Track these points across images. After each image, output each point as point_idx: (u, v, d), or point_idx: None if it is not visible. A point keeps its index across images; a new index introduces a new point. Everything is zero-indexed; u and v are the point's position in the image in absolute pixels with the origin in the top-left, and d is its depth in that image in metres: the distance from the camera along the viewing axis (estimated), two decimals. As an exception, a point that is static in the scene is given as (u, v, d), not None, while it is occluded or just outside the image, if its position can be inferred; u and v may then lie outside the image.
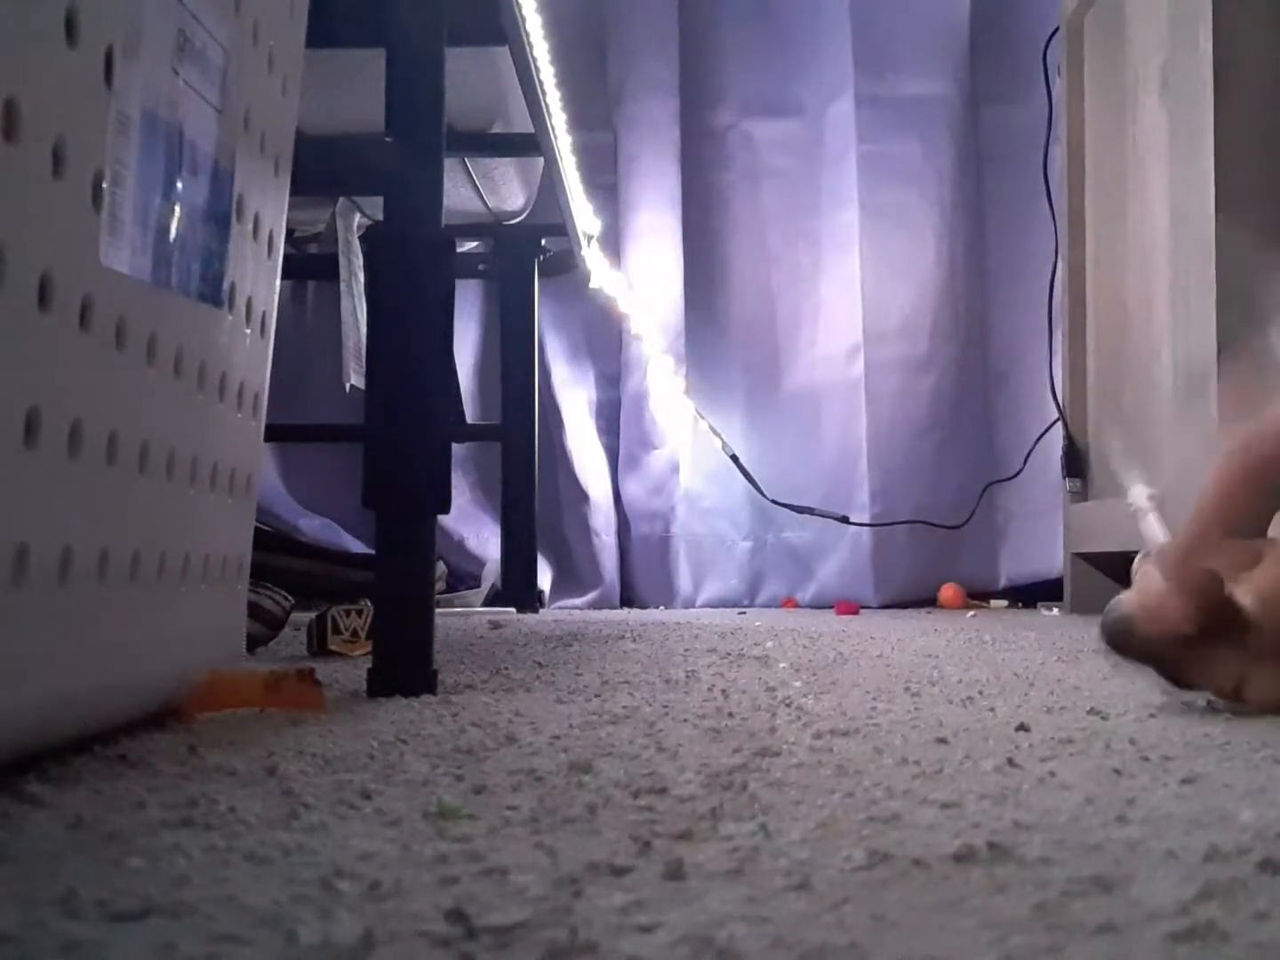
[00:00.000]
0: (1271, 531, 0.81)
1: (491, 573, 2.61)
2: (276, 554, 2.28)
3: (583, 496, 2.79)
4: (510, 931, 0.36)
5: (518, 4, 1.44)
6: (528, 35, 1.51)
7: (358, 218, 2.06)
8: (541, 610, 2.54)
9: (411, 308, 0.98)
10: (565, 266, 2.58)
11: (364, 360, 1.06)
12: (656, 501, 2.80)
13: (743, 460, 2.77)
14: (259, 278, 0.84)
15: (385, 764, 0.63)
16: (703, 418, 2.78)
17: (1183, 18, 1.86)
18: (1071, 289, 2.38)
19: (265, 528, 2.46)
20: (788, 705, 0.86)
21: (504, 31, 1.44)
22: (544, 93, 1.67)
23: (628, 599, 2.78)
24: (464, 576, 2.73)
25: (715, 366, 2.82)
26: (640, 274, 2.78)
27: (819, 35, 2.81)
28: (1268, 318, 0.75)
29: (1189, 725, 0.76)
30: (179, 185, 0.69)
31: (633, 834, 0.47)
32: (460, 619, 2.07)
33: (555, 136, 1.83)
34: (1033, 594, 2.67)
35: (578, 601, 2.72)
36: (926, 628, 1.86)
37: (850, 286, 2.77)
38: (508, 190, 2.23)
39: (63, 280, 0.56)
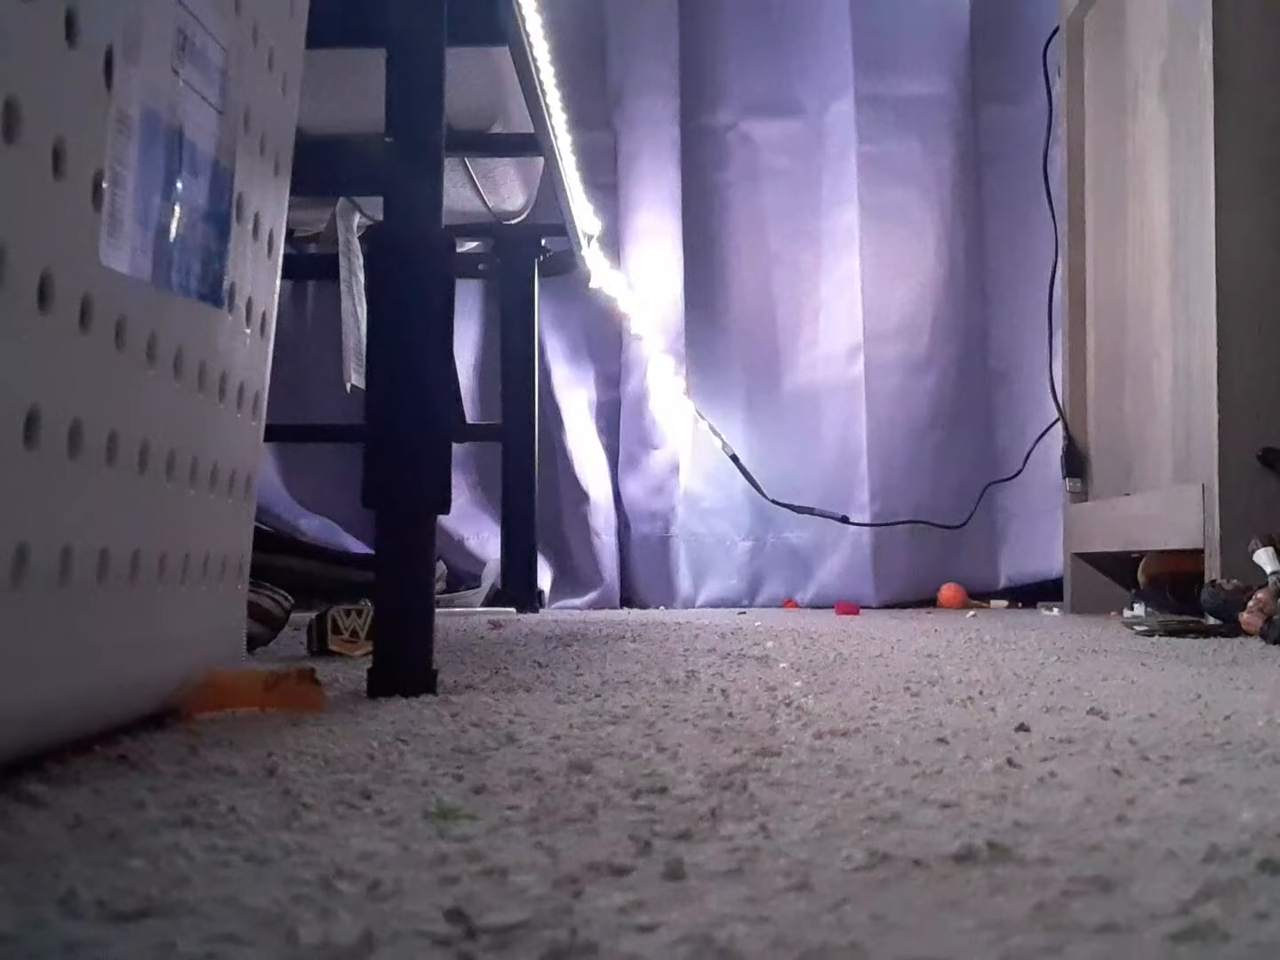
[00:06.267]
0: None
1: (491, 573, 2.61)
2: (276, 554, 2.28)
3: (583, 496, 2.79)
4: (510, 931, 0.36)
5: (518, 4, 1.44)
6: (528, 35, 1.51)
7: (358, 218, 2.06)
8: (541, 610, 2.54)
9: (411, 308, 0.98)
10: (565, 266, 2.58)
11: (364, 360, 1.06)
12: (656, 501, 2.80)
13: (743, 460, 2.77)
14: (259, 278, 0.84)
15: (385, 764, 0.63)
16: (703, 418, 2.78)
17: (1183, 18, 1.86)
18: (1071, 289, 2.38)
19: (265, 528, 2.46)
20: (788, 705, 0.86)
21: (504, 31, 1.45)
22: (544, 93, 1.67)
23: (628, 599, 2.78)
24: (464, 576, 2.73)
25: (715, 366, 2.82)
26: (640, 274, 2.78)
27: (819, 35, 2.81)
28: None
29: (1189, 725, 0.76)
30: (179, 185, 0.69)
31: (633, 834, 0.47)
32: (460, 619, 2.08)
33: (555, 136, 1.83)
34: (1033, 594, 2.67)
35: (578, 601, 2.72)
36: (926, 628, 1.86)
37: (850, 286, 2.77)
38: (508, 190, 2.23)
39: (63, 280, 0.56)
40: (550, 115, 1.75)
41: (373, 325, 1.03)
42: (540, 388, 2.62)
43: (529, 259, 2.54)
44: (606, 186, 2.76)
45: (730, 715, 0.82)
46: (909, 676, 1.07)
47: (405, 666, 0.96)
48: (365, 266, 1.82)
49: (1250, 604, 1.53)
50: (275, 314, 0.89)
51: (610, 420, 2.84)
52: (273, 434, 1.00)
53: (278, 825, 0.49)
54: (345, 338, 1.88)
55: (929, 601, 2.70)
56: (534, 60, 1.57)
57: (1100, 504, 2.26)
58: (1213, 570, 1.70)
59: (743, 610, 2.63)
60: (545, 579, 2.70)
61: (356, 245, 2.00)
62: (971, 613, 2.46)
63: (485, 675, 1.08)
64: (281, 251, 0.89)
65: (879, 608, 2.67)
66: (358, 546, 2.67)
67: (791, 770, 0.61)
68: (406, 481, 0.98)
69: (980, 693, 0.94)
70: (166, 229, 0.68)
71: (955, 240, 2.80)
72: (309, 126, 1.03)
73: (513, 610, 2.39)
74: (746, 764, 0.62)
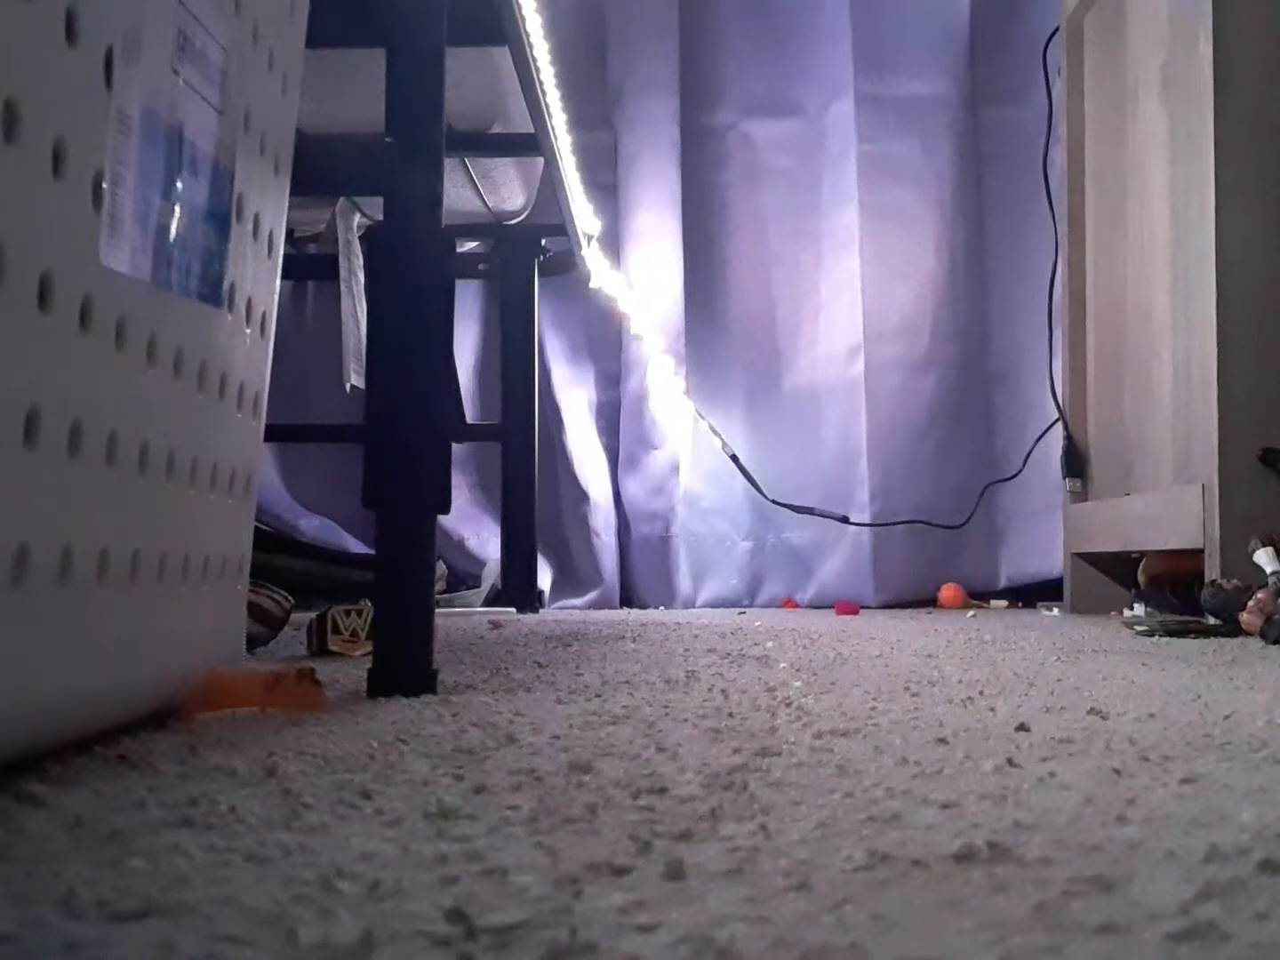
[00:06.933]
0: None
1: (491, 573, 2.61)
2: (276, 554, 2.28)
3: (583, 496, 2.79)
4: (510, 931, 0.36)
5: (518, 4, 1.44)
6: (528, 35, 1.51)
7: (358, 218, 2.06)
8: (541, 610, 2.54)
9: (411, 308, 0.98)
10: (565, 266, 2.58)
11: (364, 360, 1.06)
12: (656, 501, 2.80)
13: (743, 460, 2.77)
14: (259, 278, 0.84)
15: (385, 764, 0.63)
16: (703, 418, 2.78)
17: (1183, 18, 1.86)
18: (1071, 289, 2.38)
19: (265, 528, 2.46)
20: (788, 705, 0.86)
21: (504, 31, 1.45)
22: (544, 93, 1.67)
23: (628, 599, 2.78)
24: (464, 576, 2.73)
25: (715, 366, 2.82)
26: (640, 274, 2.78)
27: (819, 35, 2.81)
28: None
29: (1189, 725, 0.76)
30: (179, 185, 0.69)
31: (633, 834, 0.47)
32: (460, 619, 2.08)
33: (555, 136, 1.83)
34: (1033, 594, 2.67)
35: (578, 601, 2.72)
36: (926, 628, 1.86)
37: (850, 286, 2.77)
38: (508, 190, 2.23)
39: (63, 280, 0.56)
40: (550, 115, 1.75)
41: (373, 325, 1.03)
42: (540, 388, 2.62)
43: (529, 259, 2.54)
44: (606, 186, 2.76)
45: (730, 715, 0.82)
46: (909, 676, 1.07)
47: (405, 666, 0.96)
48: (365, 266, 1.82)
49: (1250, 604, 1.53)
50: (275, 314, 0.89)
51: (610, 420, 2.84)
52: (273, 434, 1.00)
53: (278, 825, 0.49)
54: (345, 338, 1.88)
55: (929, 601, 2.70)
56: (534, 60, 1.57)
57: (1100, 504, 2.26)
58: (1213, 570, 1.70)
59: (743, 610, 2.62)
60: (545, 579, 2.70)
61: (356, 245, 2.00)
62: (971, 613, 2.46)
63: (485, 675, 1.08)
64: (281, 251, 0.89)
65: (879, 608, 2.67)
66: (358, 546, 2.67)
67: (791, 770, 0.61)
68: (406, 481, 0.98)
69: (980, 693, 0.94)
70: (166, 229, 0.68)
71: (955, 240, 2.80)
72: (309, 126, 1.03)
73: (513, 610, 2.39)
74: (746, 764, 0.62)
